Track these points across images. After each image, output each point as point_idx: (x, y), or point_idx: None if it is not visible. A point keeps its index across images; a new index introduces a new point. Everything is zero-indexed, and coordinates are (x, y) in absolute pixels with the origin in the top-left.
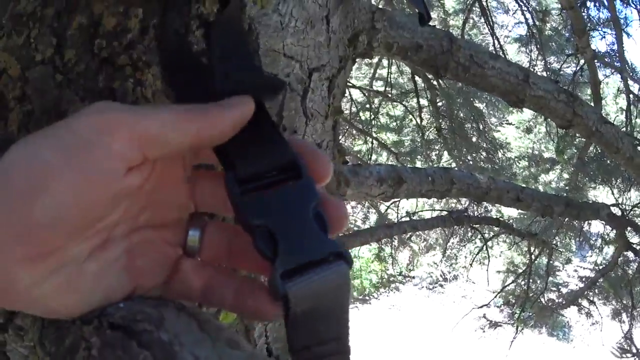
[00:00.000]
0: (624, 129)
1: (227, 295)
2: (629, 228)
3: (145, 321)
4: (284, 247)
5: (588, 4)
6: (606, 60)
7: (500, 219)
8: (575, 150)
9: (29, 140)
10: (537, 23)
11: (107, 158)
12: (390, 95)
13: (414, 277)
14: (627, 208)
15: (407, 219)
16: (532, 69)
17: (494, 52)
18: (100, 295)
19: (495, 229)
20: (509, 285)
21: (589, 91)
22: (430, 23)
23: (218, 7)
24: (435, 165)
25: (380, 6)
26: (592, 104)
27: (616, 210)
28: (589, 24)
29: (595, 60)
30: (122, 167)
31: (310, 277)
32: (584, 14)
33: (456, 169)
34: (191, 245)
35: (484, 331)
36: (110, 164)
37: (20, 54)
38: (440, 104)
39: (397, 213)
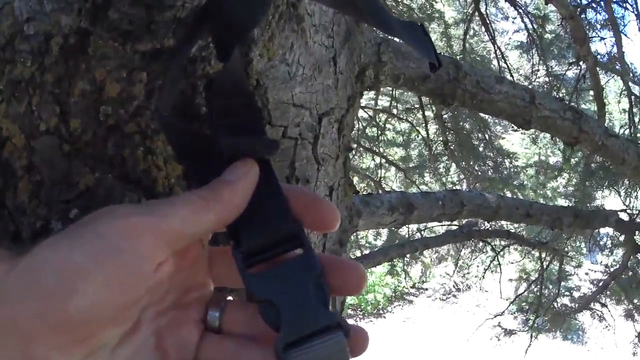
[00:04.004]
0: (627, 129)
1: None
2: (637, 232)
3: None
4: (286, 321)
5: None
6: (607, 64)
7: (510, 230)
8: (582, 156)
9: (57, 241)
10: (537, 29)
11: (137, 261)
12: (395, 111)
13: (427, 289)
14: (634, 212)
15: (419, 235)
16: (534, 74)
17: (495, 58)
18: None
19: (506, 240)
20: (522, 293)
21: (591, 93)
22: (432, 34)
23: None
24: (443, 178)
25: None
26: (596, 109)
27: (624, 215)
28: (587, 27)
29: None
30: (151, 266)
31: (309, 347)
32: (583, 20)
33: (465, 189)
34: (212, 326)
35: (499, 339)
36: (140, 266)
37: (23, 122)
38: (445, 116)
39: (408, 228)
